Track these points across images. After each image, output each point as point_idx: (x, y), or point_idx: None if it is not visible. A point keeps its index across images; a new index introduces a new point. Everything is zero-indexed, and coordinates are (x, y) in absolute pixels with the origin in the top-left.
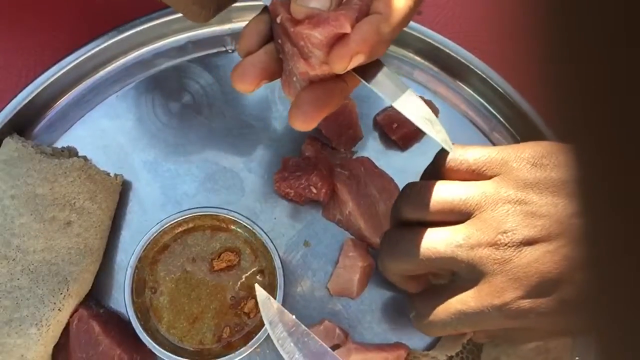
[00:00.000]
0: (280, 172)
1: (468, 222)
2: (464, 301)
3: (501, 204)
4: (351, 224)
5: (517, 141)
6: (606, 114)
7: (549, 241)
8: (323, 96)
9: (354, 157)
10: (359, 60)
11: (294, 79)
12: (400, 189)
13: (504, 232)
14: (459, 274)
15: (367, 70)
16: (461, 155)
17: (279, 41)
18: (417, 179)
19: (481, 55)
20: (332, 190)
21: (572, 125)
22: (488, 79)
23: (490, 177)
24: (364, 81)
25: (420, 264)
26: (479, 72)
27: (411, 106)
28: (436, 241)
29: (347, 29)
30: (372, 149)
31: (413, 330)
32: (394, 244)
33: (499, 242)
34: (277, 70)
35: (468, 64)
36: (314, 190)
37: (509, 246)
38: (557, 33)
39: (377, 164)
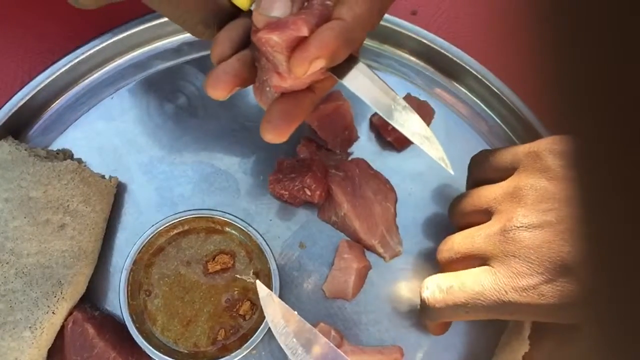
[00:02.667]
0: (275, 173)
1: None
2: (480, 282)
3: (512, 194)
4: (346, 225)
5: (513, 142)
6: (602, 111)
7: (560, 223)
8: (293, 108)
9: (350, 158)
10: (319, 64)
11: (267, 89)
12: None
13: (513, 217)
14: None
15: (341, 67)
16: (486, 157)
17: (257, 53)
18: (413, 180)
19: (476, 55)
20: (327, 192)
21: (568, 118)
22: (484, 80)
23: (513, 172)
24: (336, 78)
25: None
26: (475, 73)
27: (383, 101)
28: (466, 237)
29: (305, 32)
30: (367, 150)
31: (409, 332)
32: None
33: (507, 227)
34: (249, 77)
35: (463, 64)
36: (308, 192)
37: (519, 230)
38: (554, 32)
39: (372, 165)
